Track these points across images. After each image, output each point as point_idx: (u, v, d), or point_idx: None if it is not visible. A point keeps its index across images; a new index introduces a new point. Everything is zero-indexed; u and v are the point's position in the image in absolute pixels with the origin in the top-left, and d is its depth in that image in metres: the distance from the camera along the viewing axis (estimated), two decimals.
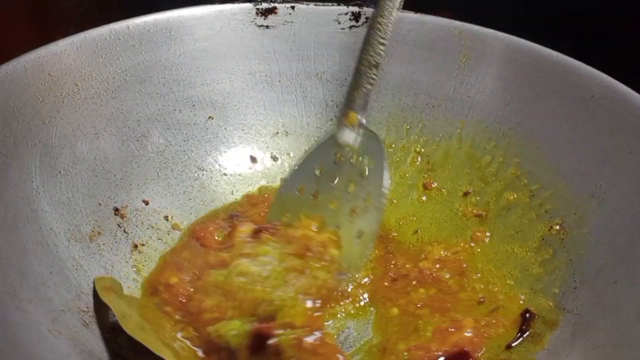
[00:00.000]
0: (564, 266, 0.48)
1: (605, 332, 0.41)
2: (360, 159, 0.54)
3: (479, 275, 0.51)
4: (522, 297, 0.48)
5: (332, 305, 0.49)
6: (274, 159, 0.60)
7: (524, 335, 0.45)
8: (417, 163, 0.59)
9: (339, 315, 0.49)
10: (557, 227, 0.50)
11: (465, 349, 0.44)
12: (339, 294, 0.50)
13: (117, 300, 0.45)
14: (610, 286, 0.43)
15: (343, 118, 0.55)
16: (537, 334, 0.45)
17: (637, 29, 0.73)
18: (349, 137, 0.54)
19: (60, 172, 0.48)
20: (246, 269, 0.48)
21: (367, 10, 0.59)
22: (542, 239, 0.50)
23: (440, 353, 0.44)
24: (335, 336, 0.47)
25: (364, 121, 0.54)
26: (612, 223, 0.46)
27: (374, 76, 0.55)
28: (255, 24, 0.59)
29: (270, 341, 0.43)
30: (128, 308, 0.44)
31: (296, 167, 0.56)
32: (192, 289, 0.47)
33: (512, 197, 0.54)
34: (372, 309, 0.50)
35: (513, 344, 0.45)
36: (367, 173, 0.53)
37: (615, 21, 0.76)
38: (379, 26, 0.55)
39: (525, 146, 0.54)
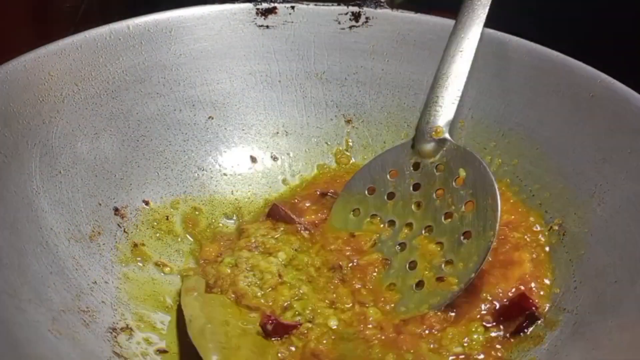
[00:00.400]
0: (564, 266, 0.48)
1: (605, 332, 0.41)
2: (450, 170, 0.51)
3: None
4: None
5: None
6: (274, 159, 0.60)
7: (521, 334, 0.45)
8: None
9: None
10: (557, 227, 0.50)
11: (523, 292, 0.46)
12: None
13: (193, 302, 0.46)
14: (610, 286, 0.43)
15: (425, 129, 0.53)
16: (537, 334, 0.45)
17: (637, 29, 0.73)
18: (431, 147, 0.52)
19: (60, 172, 0.48)
20: (256, 263, 0.49)
21: (367, 10, 0.59)
22: (542, 239, 0.50)
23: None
24: None
25: (447, 136, 0.52)
26: (612, 223, 0.46)
27: (460, 88, 0.53)
28: (255, 24, 0.59)
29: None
30: (200, 310, 0.45)
31: (365, 165, 0.55)
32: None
33: (512, 198, 0.54)
34: None
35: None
36: (466, 187, 0.49)
37: (618, 23, 0.76)
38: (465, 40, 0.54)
39: (525, 146, 0.54)
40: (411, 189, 0.52)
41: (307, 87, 0.61)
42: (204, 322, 0.44)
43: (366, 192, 0.54)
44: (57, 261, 0.44)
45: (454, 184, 0.50)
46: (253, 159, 0.60)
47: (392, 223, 0.52)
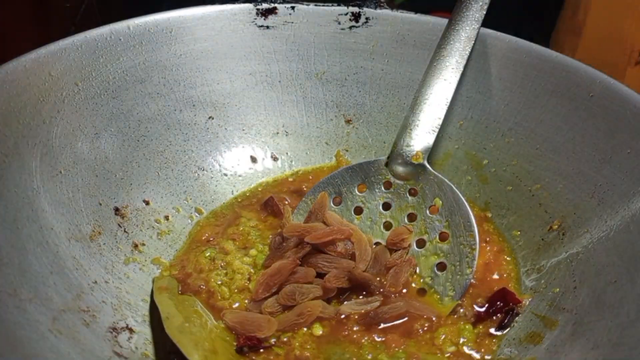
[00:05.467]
0: (563, 266, 0.48)
1: (605, 332, 0.41)
2: (425, 196, 0.51)
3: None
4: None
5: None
6: (274, 159, 0.60)
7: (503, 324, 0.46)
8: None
9: None
10: (557, 227, 0.50)
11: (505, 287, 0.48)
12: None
13: (166, 300, 0.46)
14: (610, 286, 0.43)
15: (404, 151, 0.52)
16: (537, 333, 0.45)
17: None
18: (407, 170, 0.52)
19: (60, 171, 0.48)
20: (231, 261, 0.50)
21: (367, 11, 0.59)
22: (542, 239, 0.50)
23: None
24: None
25: (426, 163, 0.52)
26: (611, 223, 0.46)
27: (441, 116, 0.53)
28: (256, 24, 0.59)
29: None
30: (175, 308, 0.46)
31: (334, 174, 0.54)
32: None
33: (511, 197, 0.54)
34: None
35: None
36: (441, 216, 0.50)
37: None
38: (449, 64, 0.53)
39: (525, 146, 0.54)
40: (381, 207, 0.53)
41: (307, 87, 0.61)
42: (182, 321, 0.44)
43: (331, 202, 0.54)
44: (58, 261, 0.44)
45: (427, 211, 0.51)
46: (253, 159, 0.60)
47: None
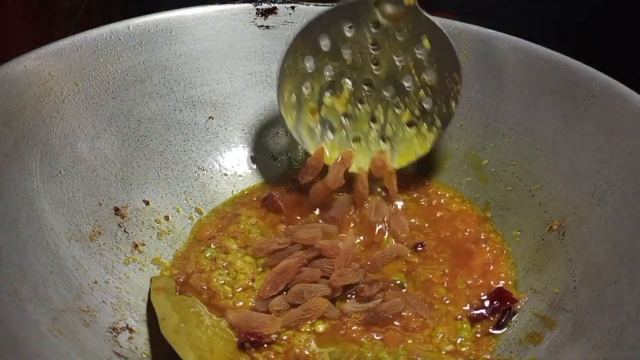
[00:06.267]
0: (563, 266, 0.48)
1: (605, 332, 0.41)
2: (414, 36, 0.52)
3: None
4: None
5: None
6: (274, 159, 0.60)
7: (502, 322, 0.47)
8: (417, 163, 0.59)
9: None
10: (557, 227, 0.50)
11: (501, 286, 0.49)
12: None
13: (163, 301, 0.46)
14: (610, 286, 0.43)
15: None
16: (537, 333, 0.45)
17: (637, 29, 0.73)
18: (397, 10, 0.52)
19: (60, 172, 0.48)
20: (233, 261, 0.50)
21: None
22: (542, 239, 0.50)
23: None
24: None
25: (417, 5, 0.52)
26: (611, 223, 0.46)
27: None
28: (256, 24, 0.59)
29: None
30: (171, 309, 0.46)
31: (322, 14, 0.53)
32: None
33: (511, 197, 0.54)
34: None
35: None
36: (429, 56, 0.53)
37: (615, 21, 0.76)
38: None
39: (525, 146, 0.54)
40: (369, 45, 0.54)
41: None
42: (178, 321, 0.44)
43: (320, 41, 0.54)
44: (58, 261, 0.44)
45: (416, 50, 0.53)
46: (253, 159, 0.60)
47: (349, 77, 0.55)
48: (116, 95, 0.53)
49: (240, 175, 0.59)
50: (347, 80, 0.55)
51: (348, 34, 0.53)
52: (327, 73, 0.55)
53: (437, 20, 0.52)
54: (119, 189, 0.52)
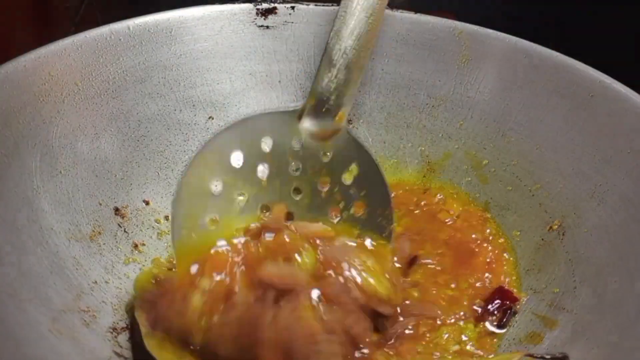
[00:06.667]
0: (563, 266, 0.48)
1: (605, 332, 0.41)
2: (342, 160, 0.46)
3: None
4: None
5: None
6: None
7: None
8: (416, 163, 0.59)
9: None
10: (557, 227, 0.50)
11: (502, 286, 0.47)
12: None
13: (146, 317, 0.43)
14: (610, 286, 0.43)
15: (321, 107, 0.46)
16: (537, 333, 0.45)
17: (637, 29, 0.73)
18: (324, 129, 0.46)
19: (60, 172, 0.48)
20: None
21: None
22: (542, 239, 0.50)
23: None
24: None
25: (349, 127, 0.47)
26: (611, 223, 0.46)
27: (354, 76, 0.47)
28: (256, 24, 0.59)
29: None
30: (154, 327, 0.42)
31: (234, 126, 0.46)
32: None
33: (512, 197, 0.54)
34: None
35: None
36: (357, 185, 0.46)
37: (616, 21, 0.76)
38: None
39: (525, 146, 0.54)
40: (290, 168, 0.47)
41: (307, 87, 0.60)
42: (162, 336, 0.41)
43: (231, 158, 0.46)
44: (58, 261, 0.44)
45: (343, 178, 0.46)
46: None
47: (265, 208, 0.47)
48: (116, 95, 0.53)
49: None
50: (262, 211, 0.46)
51: (266, 149, 0.46)
52: (238, 198, 0.46)
53: (367, 143, 0.47)
54: (119, 189, 0.52)
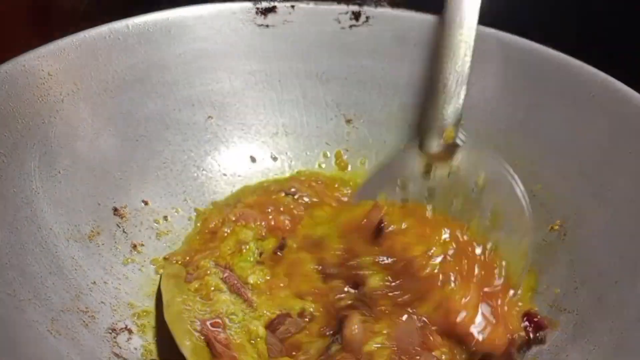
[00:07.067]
0: (564, 266, 0.48)
1: (606, 332, 0.41)
2: (467, 174, 0.48)
3: None
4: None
5: None
6: (274, 159, 0.60)
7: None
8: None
9: None
10: (558, 227, 0.50)
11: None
12: None
13: (172, 288, 0.47)
14: (611, 286, 0.43)
15: (434, 133, 0.50)
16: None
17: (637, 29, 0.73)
18: (443, 150, 0.49)
19: (59, 172, 0.48)
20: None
21: (368, 10, 0.59)
22: (543, 239, 0.50)
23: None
24: None
25: (461, 138, 0.49)
26: (612, 223, 0.46)
27: (464, 91, 0.50)
28: (255, 23, 0.59)
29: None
30: (178, 296, 0.46)
31: (371, 176, 0.51)
32: None
33: None
34: None
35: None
36: (487, 192, 0.47)
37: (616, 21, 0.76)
38: (462, 37, 0.50)
39: (526, 146, 0.54)
40: (425, 195, 0.50)
41: (307, 87, 0.60)
42: (182, 308, 0.45)
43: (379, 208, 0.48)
44: (57, 261, 0.44)
45: (473, 189, 0.48)
46: (253, 159, 0.60)
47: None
48: (115, 95, 0.53)
49: (239, 175, 0.59)
50: None
51: (401, 190, 0.50)
52: None
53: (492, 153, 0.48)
54: (118, 189, 0.52)
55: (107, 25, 0.53)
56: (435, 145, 0.50)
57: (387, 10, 0.59)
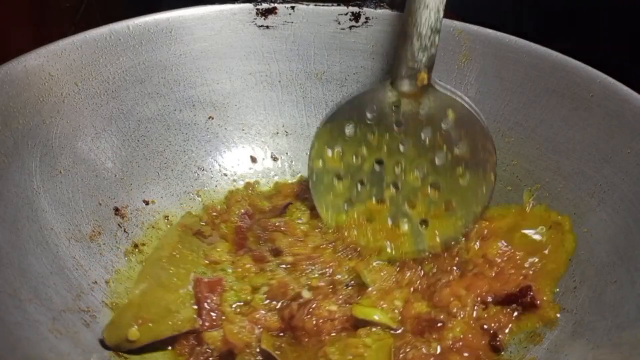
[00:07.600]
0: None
1: (605, 332, 0.41)
2: (438, 109, 0.50)
3: None
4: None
5: None
6: (274, 159, 0.60)
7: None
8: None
9: None
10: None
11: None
12: None
13: (174, 235, 0.51)
14: (610, 286, 0.43)
15: (406, 72, 0.51)
16: (537, 333, 0.45)
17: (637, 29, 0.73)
18: (414, 89, 0.51)
19: (60, 172, 0.48)
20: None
21: (367, 11, 0.59)
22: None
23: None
24: None
25: (431, 82, 0.50)
26: (611, 223, 0.46)
27: (437, 39, 0.51)
28: (255, 24, 0.59)
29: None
30: (174, 244, 0.50)
31: (342, 102, 0.53)
32: None
33: (512, 197, 0.54)
34: None
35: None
36: (456, 127, 0.50)
37: (615, 20, 0.76)
38: None
39: (525, 146, 0.54)
40: (394, 127, 0.52)
41: (307, 87, 0.61)
42: (167, 255, 0.48)
43: (346, 130, 0.53)
44: (58, 261, 0.44)
45: (442, 124, 0.51)
46: (253, 159, 0.60)
47: (379, 162, 0.53)
48: (116, 95, 0.53)
49: (240, 175, 0.59)
50: (377, 166, 0.53)
51: (370, 119, 0.53)
52: (356, 162, 0.53)
53: (459, 92, 0.51)
54: (119, 189, 0.52)
55: (108, 26, 0.54)
56: (407, 84, 0.51)
57: (386, 12, 0.60)
